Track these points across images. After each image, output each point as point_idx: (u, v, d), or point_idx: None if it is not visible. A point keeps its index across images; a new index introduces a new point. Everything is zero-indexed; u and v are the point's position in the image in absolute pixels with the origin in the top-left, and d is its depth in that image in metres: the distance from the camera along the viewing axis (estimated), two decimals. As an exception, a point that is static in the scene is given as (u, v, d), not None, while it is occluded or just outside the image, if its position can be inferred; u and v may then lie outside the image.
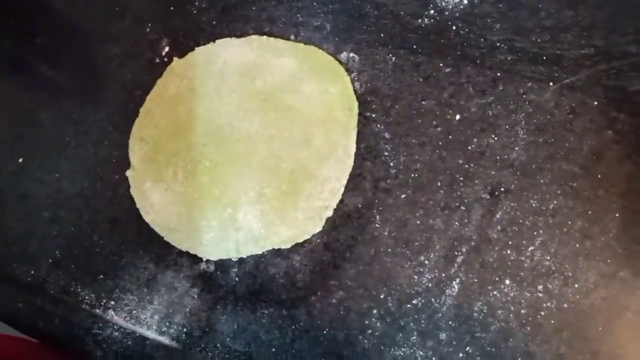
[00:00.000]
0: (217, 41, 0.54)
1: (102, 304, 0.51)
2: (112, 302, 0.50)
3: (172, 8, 0.57)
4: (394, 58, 0.50)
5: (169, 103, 0.52)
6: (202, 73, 0.52)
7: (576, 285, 0.43)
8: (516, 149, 0.46)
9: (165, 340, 0.49)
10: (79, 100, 0.57)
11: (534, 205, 0.45)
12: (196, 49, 0.54)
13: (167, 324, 0.49)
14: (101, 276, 0.51)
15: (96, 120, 0.56)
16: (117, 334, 0.49)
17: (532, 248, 0.44)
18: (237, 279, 0.48)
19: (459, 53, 0.49)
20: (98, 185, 0.53)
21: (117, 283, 0.51)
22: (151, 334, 0.49)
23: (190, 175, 0.50)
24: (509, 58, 0.48)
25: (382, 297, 0.45)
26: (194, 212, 0.49)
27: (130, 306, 0.50)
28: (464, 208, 0.45)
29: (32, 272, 0.53)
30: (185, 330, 0.49)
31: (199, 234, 0.49)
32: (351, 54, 0.51)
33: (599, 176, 0.44)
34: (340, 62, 0.51)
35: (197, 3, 0.56)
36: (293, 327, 0.46)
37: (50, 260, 0.52)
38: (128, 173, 0.51)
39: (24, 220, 0.54)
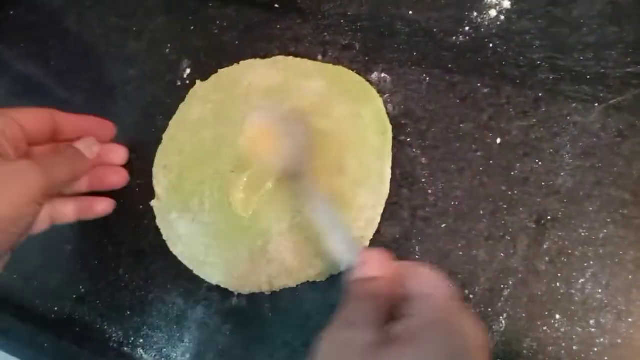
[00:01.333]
0: (242, 62, 0.51)
1: (131, 342, 0.49)
2: (141, 340, 0.48)
3: (191, 28, 0.55)
4: (428, 78, 0.48)
5: (193, 128, 0.50)
6: (226, 96, 0.50)
7: (630, 320, 0.41)
8: (562, 174, 0.44)
9: (197, 380, 0.47)
10: (97, 126, 0.54)
11: (582, 234, 0.43)
12: (219, 70, 0.51)
13: (199, 362, 0.47)
14: (128, 312, 0.49)
15: (117, 146, 0.53)
16: (148, 374, 0.47)
17: (582, 280, 0.42)
18: (270, 314, 0.46)
19: (497, 72, 0.47)
20: (122, 216, 0.50)
21: (145, 320, 0.49)
22: (183, 374, 0.47)
23: (217, 204, 0.48)
24: (551, 77, 0.45)
25: (425, 333, 0.43)
26: (223, 244, 0.47)
27: (160, 344, 0.48)
28: (509, 238, 0.43)
29: (56, 308, 0.51)
30: (218, 369, 0.47)
31: (229, 267, 0.47)
32: (382, 75, 0.49)
33: (652, 203, 0.41)
34: (371, 83, 0.49)
35: (218, 22, 0.54)
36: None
37: (75, 296, 0.50)
38: (153, 203, 0.49)
39: (46, 254, 0.52)
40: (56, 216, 0.46)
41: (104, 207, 0.48)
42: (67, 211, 0.47)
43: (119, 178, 0.49)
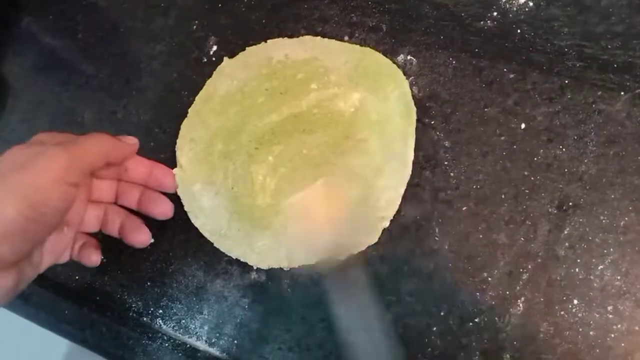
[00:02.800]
0: (269, 41, 0.52)
1: (150, 312, 0.49)
2: (160, 311, 0.49)
3: (219, 5, 0.55)
4: (454, 62, 0.48)
5: (219, 104, 0.50)
6: (254, 74, 0.50)
7: (648, 307, 0.40)
8: (585, 161, 0.44)
9: (215, 351, 0.47)
10: (122, 100, 0.55)
11: (604, 221, 0.43)
12: (247, 49, 0.52)
13: (217, 334, 0.48)
14: (148, 283, 0.50)
15: (141, 121, 0.54)
16: (167, 344, 0.48)
17: (601, 267, 0.42)
18: (289, 290, 0.46)
19: (524, 58, 0.47)
20: (145, 189, 0.51)
21: (165, 291, 0.49)
22: (201, 345, 0.48)
23: (241, 179, 0.48)
24: (578, 65, 0.45)
25: (442, 314, 0.44)
26: (244, 219, 0.48)
27: (178, 315, 0.49)
28: (529, 223, 0.44)
29: (77, 277, 0.51)
30: (235, 342, 0.47)
31: (250, 242, 0.47)
32: (409, 57, 0.49)
33: (675, 192, 0.41)
34: (397, 65, 0.49)
35: (245, 0, 0.54)
36: (348, 341, 0.45)
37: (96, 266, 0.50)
38: (176, 171, 0.49)
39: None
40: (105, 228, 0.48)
41: (142, 238, 0.49)
42: (114, 225, 0.48)
43: (166, 209, 0.49)
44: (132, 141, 0.47)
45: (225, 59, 0.52)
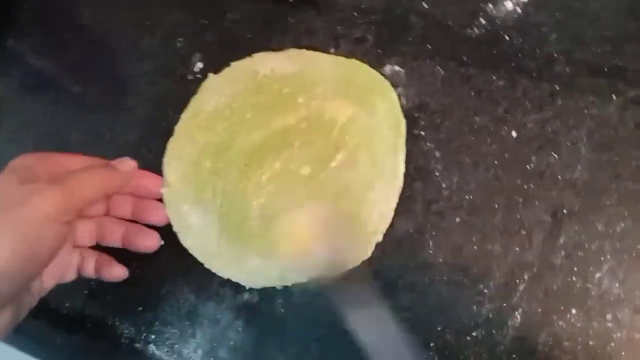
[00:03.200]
0: (254, 55, 0.51)
1: (142, 337, 0.48)
2: (153, 336, 0.48)
3: (204, 22, 0.54)
4: (442, 71, 0.47)
5: (207, 120, 0.50)
6: (240, 89, 0.50)
7: (648, 315, 0.40)
8: (578, 167, 0.43)
9: (210, 376, 0.46)
10: (110, 120, 0.55)
11: (599, 228, 0.42)
12: (232, 63, 0.51)
13: (211, 358, 0.47)
14: (140, 308, 0.49)
15: (128, 141, 0.53)
16: (160, 371, 0.47)
17: (599, 275, 0.41)
18: (282, 310, 0.46)
19: (513, 65, 0.46)
20: (133, 211, 0.50)
21: (157, 315, 0.48)
22: (195, 370, 0.47)
23: (229, 197, 0.47)
24: (568, 70, 0.45)
25: (438, 328, 0.43)
26: (234, 238, 0.47)
27: (171, 340, 0.48)
28: (524, 232, 0.43)
29: (68, 304, 0.50)
30: (230, 365, 0.46)
31: (241, 262, 0.46)
32: (396, 67, 0.49)
33: (670, 197, 0.40)
34: (384, 76, 0.48)
35: (230, 16, 0.54)
36: (344, 360, 0.44)
37: (86, 292, 0.50)
38: (163, 191, 0.49)
39: (57, 248, 0.52)
40: (82, 268, 0.47)
41: (119, 273, 0.48)
42: (89, 268, 0.47)
43: (152, 242, 0.48)
44: (129, 166, 0.46)
45: (211, 75, 0.51)
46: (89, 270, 0.47)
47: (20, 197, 0.37)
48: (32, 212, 0.37)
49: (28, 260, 0.37)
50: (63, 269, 0.45)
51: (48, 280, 0.43)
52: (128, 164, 0.47)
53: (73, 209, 0.40)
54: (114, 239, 0.47)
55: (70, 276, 0.46)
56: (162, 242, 0.48)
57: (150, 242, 0.47)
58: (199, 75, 0.53)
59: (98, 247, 0.48)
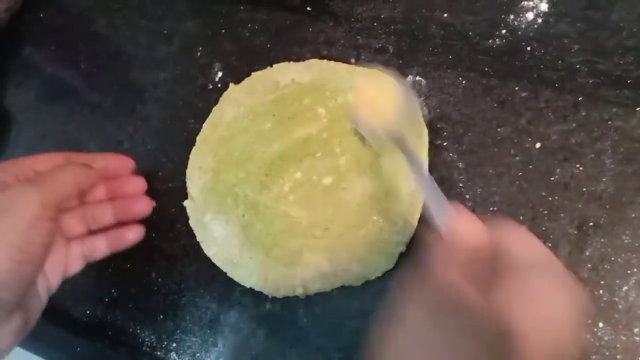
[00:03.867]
0: (275, 66, 0.51)
1: (164, 346, 0.48)
2: (174, 344, 0.48)
3: (222, 31, 0.54)
4: (464, 82, 0.47)
5: (227, 130, 0.50)
6: (260, 99, 0.50)
7: (675, 328, 0.40)
8: (603, 179, 0.43)
9: (231, 385, 0.46)
10: (128, 129, 0.55)
11: (625, 241, 0.42)
12: (253, 74, 0.51)
13: (234, 368, 0.46)
14: (161, 316, 0.49)
15: (148, 150, 0.53)
16: (182, 380, 0.47)
17: (626, 288, 0.41)
18: (305, 319, 0.45)
19: (535, 76, 0.46)
20: (154, 220, 0.50)
21: (178, 324, 0.48)
22: (217, 379, 0.47)
23: (252, 206, 0.47)
24: (590, 81, 0.45)
25: (463, 340, 0.42)
26: (257, 247, 0.47)
27: (193, 348, 0.48)
28: (550, 244, 0.43)
29: (88, 312, 0.50)
30: (252, 375, 0.46)
31: (264, 271, 0.46)
32: (417, 78, 0.49)
33: (696, 209, 0.40)
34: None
35: (249, 25, 0.54)
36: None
37: (107, 300, 0.50)
38: (186, 203, 0.49)
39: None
40: (89, 253, 0.46)
41: (134, 235, 0.48)
42: (99, 246, 0.47)
43: (143, 206, 0.48)
44: (104, 162, 0.47)
45: (231, 84, 0.51)
46: (102, 251, 0.47)
47: (1, 206, 0.38)
48: (16, 216, 0.38)
49: (24, 262, 0.38)
50: (63, 262, 0.45)
51: (52, 277, 0.44)
52: (114, 158, 0.48)
53: (52, 205, 0.40)
54: (106, 219, 0.48)
55: (74, 268, 0.46)
56: (154, 204, 0.49)
57: (145, 206, 0.48)
58: (219, 85, 0.53)
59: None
